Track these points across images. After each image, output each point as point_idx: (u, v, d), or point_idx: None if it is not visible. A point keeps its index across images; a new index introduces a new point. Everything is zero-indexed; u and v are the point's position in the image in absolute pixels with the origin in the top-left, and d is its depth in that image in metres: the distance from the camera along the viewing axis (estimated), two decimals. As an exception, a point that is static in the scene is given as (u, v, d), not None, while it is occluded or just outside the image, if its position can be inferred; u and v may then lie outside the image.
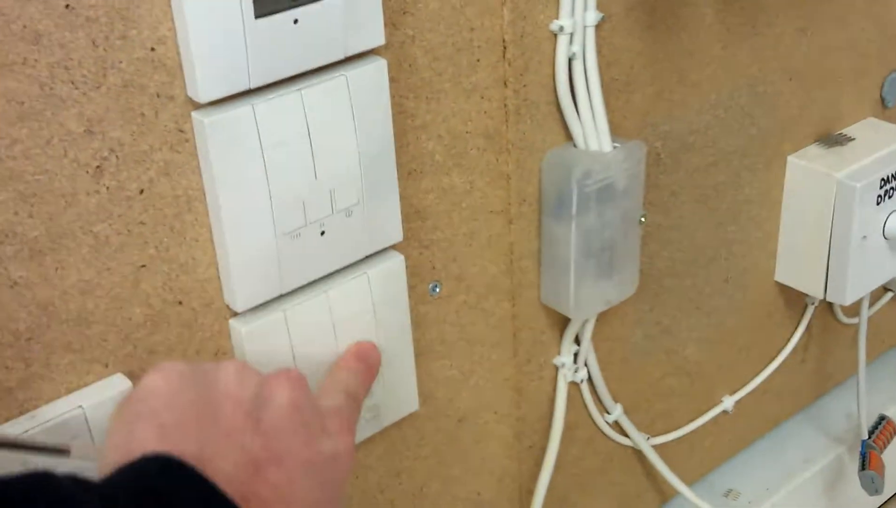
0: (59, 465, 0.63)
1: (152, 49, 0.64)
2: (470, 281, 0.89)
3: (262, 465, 0.57)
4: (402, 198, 0.80)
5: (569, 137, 0.90)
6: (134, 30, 0.63)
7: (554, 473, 1.02)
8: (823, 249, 1.12)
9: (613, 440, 1.10)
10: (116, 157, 0.65)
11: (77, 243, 0.66)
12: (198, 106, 0.67)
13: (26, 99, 0.61)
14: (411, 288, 0.85)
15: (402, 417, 0.89)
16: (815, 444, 1.35)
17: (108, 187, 0.66)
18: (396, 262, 0.81)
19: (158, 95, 0.66)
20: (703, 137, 1.02)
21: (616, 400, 1.07)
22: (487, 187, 0.87)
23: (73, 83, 0.62)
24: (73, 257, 0.66)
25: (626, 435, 1.11)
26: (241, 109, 0.68)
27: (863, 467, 1.28)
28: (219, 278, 0.74)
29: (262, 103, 0.68)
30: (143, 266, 0.70)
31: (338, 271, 0.79)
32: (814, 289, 1.16)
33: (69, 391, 0.69)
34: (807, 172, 1.11)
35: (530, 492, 1.03)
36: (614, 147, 0.89)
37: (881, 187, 1.10)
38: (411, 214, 0.83)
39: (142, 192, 0.67)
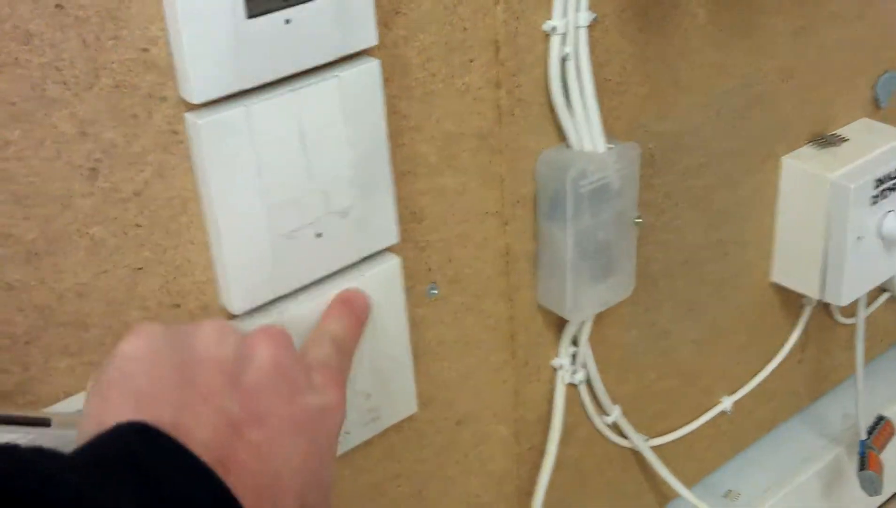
0: (41, 437, 0.62)
1: (144, 49, 0.64)
2: (466, 283, 0.90)
3: (242, 426, 0.55)
4: (397, 199, 0.80)
5: (562, 137, 0.90)
6: (125, 30, 0.63)
7: (553, 475, 1.02)
8: (819, 249, 1.13)
9: (612, 442, 1.10)
10: (110, 158, 0.65)
11: (73, 246, 0.66)
12: (191, 107, 0.67)
13: (18, 100, 0.61)
14: (408, 290, 0.85)
15: (401, 419, 0.88)
16: (813, 445, 1.35)
17: (102, 189, 0.66)
18: (392, 264, 0.81)
19: (151, 96, 0.66)
20: (697, 137, 1.02)
21: (614, 402, 1.07)
22: (481, 189, 0.87)
23: (64, 84, 0.62)
24: (70, 259, 0.66)
25: (624, 437, 1.11)
26: (235, 110, 0.68)
27: (861, 467, 1.28)
28: (215, 280, 0.74)
29: (255, 104, 0.68)
30: (140, 269, 0.70)
31: (334, 274, 0.79)
32: (810, 290, 1.16)
33: (67, 394, 0.69)
34: (801, 172, 1.11)
35: (529, 494, 1.03)
36: (608, 148, 0.90)
37: (875, 188, 1.10)
38: (407, 215, 0.83)
39: (137, 194, 0.67)
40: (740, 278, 1.16)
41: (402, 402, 0.87)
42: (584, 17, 0.85)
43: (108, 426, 0.51)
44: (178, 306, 0.72)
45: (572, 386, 1.02)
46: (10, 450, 0.47)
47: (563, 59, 0.86)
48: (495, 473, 1.01)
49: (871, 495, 1.29)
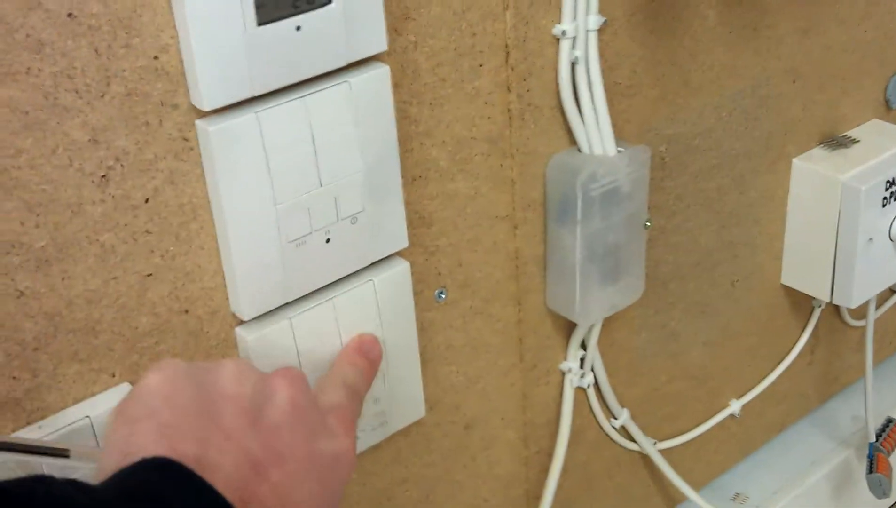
0: (59, 468, 0.63)
1: (155, 57, 0.64)
2: (475, 287, 0.89)
3: (263, 466, 0.56)
4: (406, 204, 0.80)
5: (573, 141, 0.90)
6: (137, 38, 0.63)
7: (561, 478, 1.02)
8: (829, 251, 1.12)
9: (620, 445, 1.10)
10: (121, 166, 0.65)
11: (83, 253, 0.66)
12: (202, 114, 0.67)
13: (30, 108, 0.61)
14: (417, 294, 0.85)
15: (409, 423, 0.88)
16: (822, 447, 1.35)
17: (113, 196, 0.66)
18: (402, 268, 0.81)
19: (162, 104, 0.66)
20: (707, 140, 1.02)
21: (622, 405, 1.07)
22: (492, 193, 0.87)
23: (76, 92, 0.62)
24: (80, 266, 0.66)
25: (632, 440, 1.11)
26: (245, 117, 0.68)
27: (870, 470, 1.28)
28: (225, 286, 0.74)
29: (265, 111, 0.68)
30: (150, 275, 0.70)
31: (343, 279, 0.79)
32: (820, 292, 1.15)
33: (76, 400, 0.69)
34: (811, 174, 1.11)
35: (537, 498, 1.03)
36: (618, 151, 0.89)
37: (886, 190, 1.10)
38: (416, 220, 0.83)
39: (147, 201, 0.67)
40: (751, 280, 1.15)
41: (410, 406, 0.87)
42: (594, 20, 0.84)
43: (134, 459, 0.52)
44: (186, 311, 0.72)
45: (580, 390, 1.02)
46: (47, 480, 0.48)
47: (573, 63, 0.86)
48: (503, 477, 1.01)
49: (879, 497, 1.29)
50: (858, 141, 1.14)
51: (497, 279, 0.91)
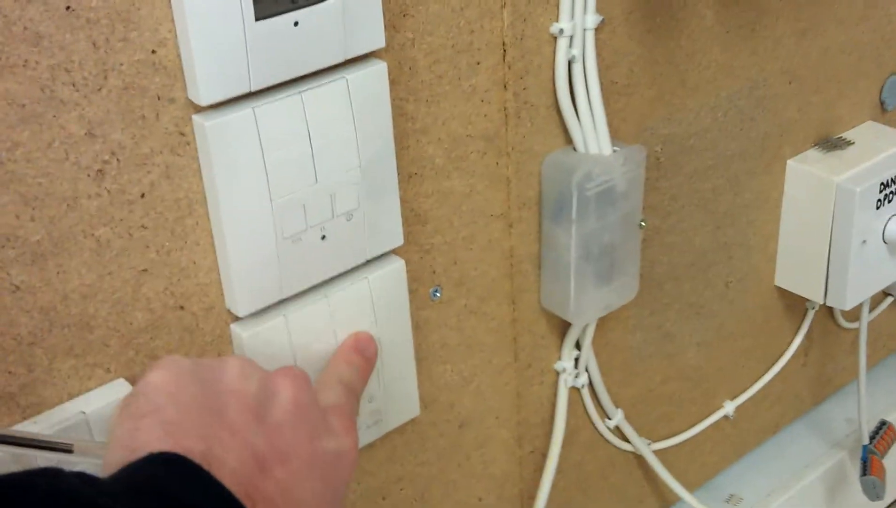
0: (62, 462, 0.62)
1: (153, 51, 0.64)
2: (470, 285, 0.89)
3: (268, 463, 0.57)
4: (402, 202, 0.80)
5: (569, 140, 0.90)
6: (134, 32, 0.63)
7: (555, 478, 1.02)
8: (823, 253, 1.12)
9: (614, 446, 1.10)
10: (118, 160, 0.65)
11: (79, 247, 0.66)
12: (198, 109, 0.67)
13: (27, 101, 0.61)
14: (412, 292, 0.84)
15: (404, 422, 0.88)
16: (816, 449, 1.35)
17: (109, 191, 0.66)
18: (397, 266, 0.81)
19: (159, 98, 0.66)
20: (703, 140, 1.02)
21: (617, 405, 1.07)
22: (488, 191, 0.87)
23: (73, 85, 0.62)
24: (75, 261, 0.66)
25: (627, 440, 1.11)
26: (242, 112, 0.68)
27: (864, 472, 1.28)
28: (220, 282, 0.73)
29: (262, 106, 0.68)
30: (145, 270, 0.69)
31: (338, 276, 0.79)
32: (814, 293, 1.15)
33: (71, 396, 0.69)
34: (806, 176, 1.11)
35: (531, 497, 1.03)
36: (614, 151, 0.89)
37: (881, 191, 1.10)
38: (412, 218, 0.82)
39: (143, 195, 0.67)
40: (745, 281, 1.15)
41: (405, 405, 0.87)
42: (592, 19, 0.84)
43: (140, 454, 0.52)
44: (181, 307, 0.72)
45: (575, 390, 1.02)
46: (55, 473, 0.49)
47: (570, 62, 0.86)
48: (497, 476, 1.00)
49: (872, 500, 1.28)
50: (853, 143, 1.14)
51: (492, 278, 0.91)
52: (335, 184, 0.74)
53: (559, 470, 1.03)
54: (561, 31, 0.84)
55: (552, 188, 0.89)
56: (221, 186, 0.68)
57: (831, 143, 1.14)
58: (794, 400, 1.33)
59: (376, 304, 0.80)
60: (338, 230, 0.76)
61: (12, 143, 0.61)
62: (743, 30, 0.99)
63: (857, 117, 1.18)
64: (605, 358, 1.04)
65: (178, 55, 0.65)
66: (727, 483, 1.29)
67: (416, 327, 0.86)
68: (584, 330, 0.98)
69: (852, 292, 1.13)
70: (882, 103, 1.20)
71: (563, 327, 0.98)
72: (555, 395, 1.01)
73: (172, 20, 0.64)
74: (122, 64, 0.63)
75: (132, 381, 0.71)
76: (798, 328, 1.26)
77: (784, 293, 1.20)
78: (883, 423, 1.33)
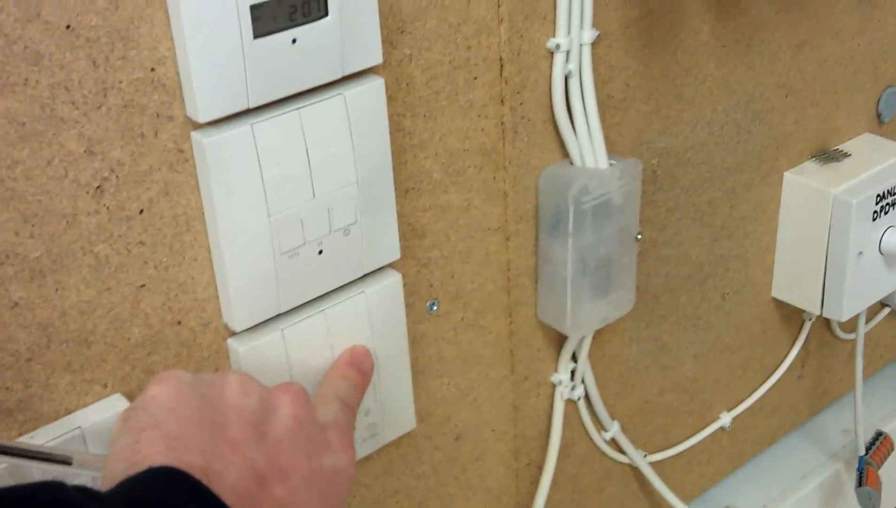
0: (60, 474, 0.63)
1: (152, 69, 0.65)
2: (467, 299, 0.90)
3: (267, 479, 0.57)
4: (399, 216, 0.80)
5: (565, 154, 0.90)
6: (134, 50, 0.63)
7: (551, 490, 1.02)
8: (820, 265, 1.12)
9: (610, 458, 1.10)
10: (116, 177, 0.65)
11: (77, 264, 0.66)
12: (197, 126, 0.67)
13: (27, 119, 0.61)
14: (409, 306, 0.85)
15: (400, 435, 0.88)
16: (812, 460, 1.35)
17: (108, 208, 0.66)
18: (394, 280, 0.81)
19: (158, 116, 0.66)
20: (699, 153, 1.02)
21: (613, 417, 1.07)
22: (485, 205, 0.87)
23: (73, 103, 0.62)
24: (74, 277, 0.66)
25: (623, 453, 1.11)
26: (240, 129, 0.68)
27: (860, 483, 1.28)
28: (217, 297, 0.74)
29: (260, 123, 0.69)
30: (143, 286, 0.70)
31: (335, 290, 0.79)
32: (810, 305, 1.16)
33: (68, 411, 0.69)
34: (803, 188, 1.11)
35: (528, 510, 1.03)
36: (611, 164, 0.90)
37: (877, 203, 1.10)
38: (409, 232, 0.83)
39: (141, 212, 0.67)
40: (741, 293, 1.16)
41: (402, 418, 0.88)
42: (588, 34, 0.85)
43: (141, 468, 0.52)
44: (179, 323, 0.72)
45: (571, 402, 1.02)
46: (57, 486, 0.49)
47: (567, 77, 0.86)
48: (494, 489, 1.01)
49: (868, 511, 1.29)
50: (850, 155, 1.14)
51: (489, 291, 0.91)
52: (332, 199, 0.74)
53: (555, 483, 1.03)
54: (557, 46, 0.84)
55: (549, 202, 0.89)
56: (219, 202, 0.69)
57: (828, 155, 1.14)
58: (791, 411, 1.33)
59: (373, 318, 0.81)
60: (335, 245, 0.76)
61: (12, 160, 0.61)
62: (739, 44, 1.00)
63: (854, 129, 1.18)
64: (602, 370, 1.04)
65: (177, 73, 0.65)
66: (724, 495, 1.29)
67: (413, 340, 0.86)
68: (580, 343, 0.98)
69: (849, 304, 1.14)
70: (879, 115, 1.20)
71: (560, 339, 0.98)
72: (551, 407, 1.01)
73: (171, 38, 0.64)
74: (121, 82, 0.64)
75: (129, 396, 0.71)
76: (795, 340, 1.26)
77: (781, 305, 1.20)
78: (879, 434, 1.33)
